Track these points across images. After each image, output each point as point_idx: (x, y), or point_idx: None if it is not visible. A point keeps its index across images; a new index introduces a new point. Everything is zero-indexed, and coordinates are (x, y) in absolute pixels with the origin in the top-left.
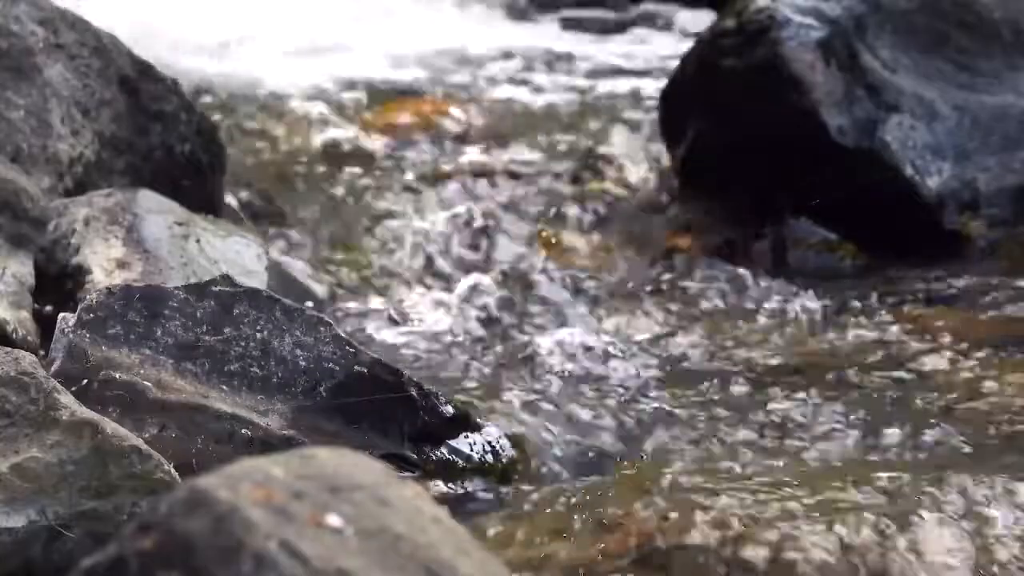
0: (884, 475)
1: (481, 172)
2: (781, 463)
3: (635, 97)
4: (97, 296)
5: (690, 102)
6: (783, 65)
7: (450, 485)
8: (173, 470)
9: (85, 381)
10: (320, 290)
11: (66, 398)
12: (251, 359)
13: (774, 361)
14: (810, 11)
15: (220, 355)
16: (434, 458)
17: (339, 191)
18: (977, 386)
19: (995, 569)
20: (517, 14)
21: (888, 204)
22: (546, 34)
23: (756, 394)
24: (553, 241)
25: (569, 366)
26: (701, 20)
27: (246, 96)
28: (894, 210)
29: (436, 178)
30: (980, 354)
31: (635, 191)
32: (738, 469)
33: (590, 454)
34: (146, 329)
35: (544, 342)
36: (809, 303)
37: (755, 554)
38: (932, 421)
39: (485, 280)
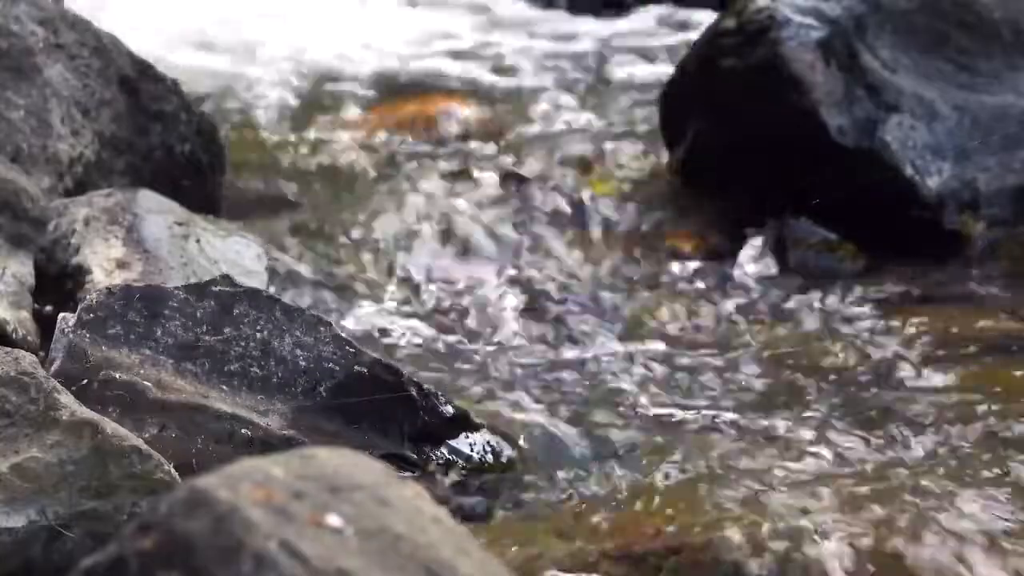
0: (884, 475)
1: (481, 171)
2: (781, 463)
3: (635, 97)
4: (97, 296)
5: (690, 102)
6: (783, 65)
7: (450, 485)
8: (173, 470)
9: (85, 381)
10: (318, 288)
11: (66, 398)
12: (251, 359)
13: (774, 361)
14: (810, 11)
15: (220, 355)
16: (434, 458)
17: (339, 191)
18: (977, 386)
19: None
20: (517, 13)
21: (888, 204)
22: (546, 34)
23: (756, 394)
24: (553, 241)
25: (569, 366)
26: (702, 20)
27: (244, 95)
28: (894, 210)
29: (436, 177)
30: (980, 354)
31: (635, 191)
32: (738, 469)
33: (590, 454)
34: (146, 329)
35: (544, 342)
36: (809, 303)
37: (756, 554)
38: (932, 421)
39: (484, 280)
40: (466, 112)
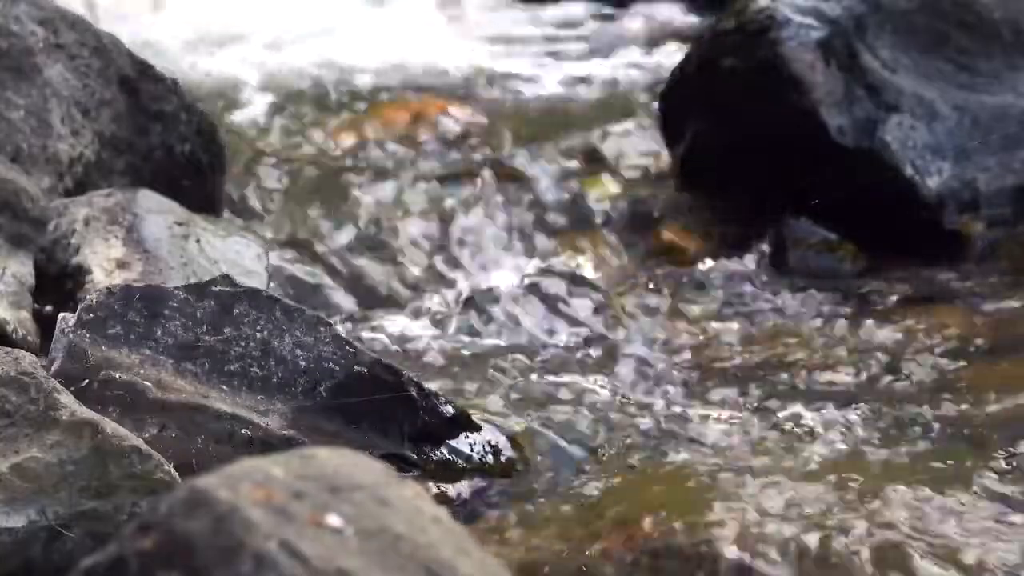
0: (883, 474)
1: (481, 172)
2: (781, 463)
3: (635, 97)
4: (97, 296)
5: (690, 102)
6: (783, 65)
7: (450, 485)
8: (173, 470)
9: (85, 381)
10: (318, 288)
11: (66, 398)
12: (251, 359)
13: (774, 361)
14: (810, 11)
15: (220, 355)
16: (434, 458)
17: (339, 191)
18: (977, 386)
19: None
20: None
21: (888, 204)
22: (546, 33)
23: (756, 394)
24: (553, 241)
25: (569, 366)
26: (701, 20)
27: (244, 95)
28: (894, 210)
29: (436, 178)
30: (980, 354)
31: (634, 191)
32: (739, 468)
33: (590, 454)
34: (146, 329)
35: (543, 341)
36: (809, 303)
37: (757, 554)
38: (931, 421)
39: (484, 280)
40: (466, 113)
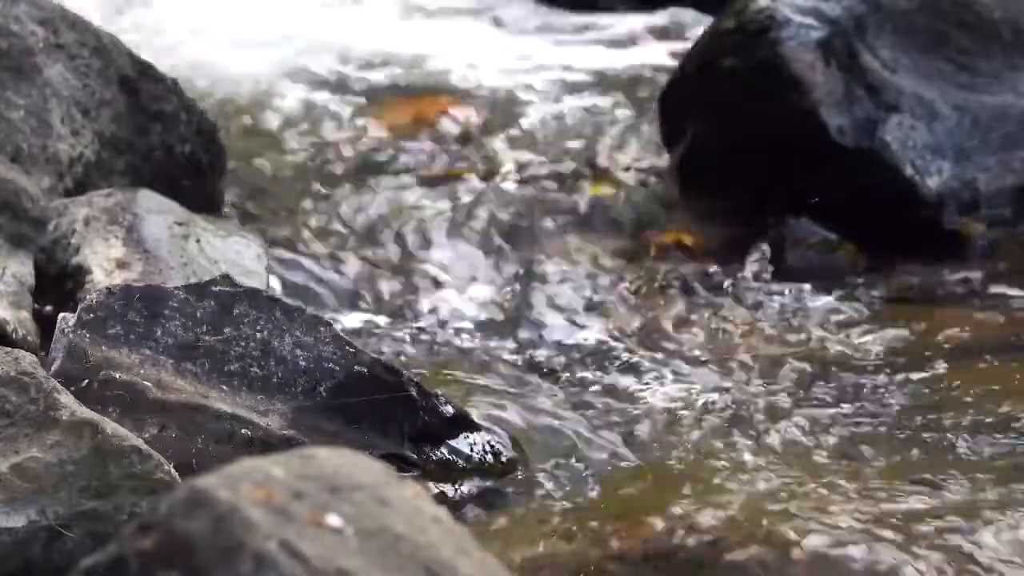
0: (883, 473)
1: (481, 173)
2: (782, 462)
3: (635, 97)
4: (97, 296)
5: (689, 102)
6: (783, 65)
7: (450, 485)
8: (173, 470)
9: (85, 381)
10: (318, 288)
11: (66, 398)
12: (251, 359)
13: (774, 361)
14: (810, 11)
15: (220, 355)
16: (434, 458)
17: (339, 191)
18: (977, 386)
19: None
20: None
21: (888, 204)
22: (546, 34)
23: (756, 394)
24: (553, 242)
25: (569, 366)
26: (702, 21)
27: (244, 95)
28: (894, 210)
29: (435, 179)
30: (980, 354)
31: (634, 191)
32: (739, 468)
33: (591, 454)
34: (146, 329)
35: (544, 342)
36: (809, 303)
37: (757, 554)
38: (931, 422)
39: (485, 280)
40: (466, 113)
